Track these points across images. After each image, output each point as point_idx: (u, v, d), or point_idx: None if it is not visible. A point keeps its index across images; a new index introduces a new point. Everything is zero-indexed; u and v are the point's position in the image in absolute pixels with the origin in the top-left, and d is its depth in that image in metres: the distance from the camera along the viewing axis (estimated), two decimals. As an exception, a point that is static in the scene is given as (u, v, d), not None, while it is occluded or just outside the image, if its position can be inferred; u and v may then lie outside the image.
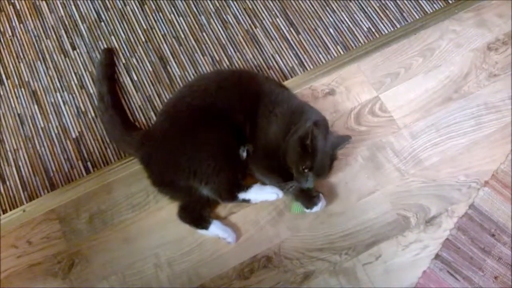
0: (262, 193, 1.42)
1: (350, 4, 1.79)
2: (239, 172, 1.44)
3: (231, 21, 1.79)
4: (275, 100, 1.42)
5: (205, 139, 1.39)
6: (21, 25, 1.84)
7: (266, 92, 1.44)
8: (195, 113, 1.42)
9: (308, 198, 1.42)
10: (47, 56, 1.78)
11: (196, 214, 1.46)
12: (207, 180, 1.39)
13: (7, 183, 1.59)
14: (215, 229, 1.44)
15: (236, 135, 1.42)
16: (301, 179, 1.33)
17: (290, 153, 1.33)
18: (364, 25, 1.75)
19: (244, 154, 1.44)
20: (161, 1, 1.84)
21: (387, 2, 1.78)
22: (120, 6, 1.84)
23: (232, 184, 1.41)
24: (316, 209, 1.41)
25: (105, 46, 1.77)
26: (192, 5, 1.83)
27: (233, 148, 1.42)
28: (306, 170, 1.32)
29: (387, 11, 1.77)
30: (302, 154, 1.31)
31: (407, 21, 1.75)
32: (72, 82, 1.72)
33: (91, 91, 1.70)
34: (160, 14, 1.82)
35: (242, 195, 1.41)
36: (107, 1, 1.85)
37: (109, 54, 1.73)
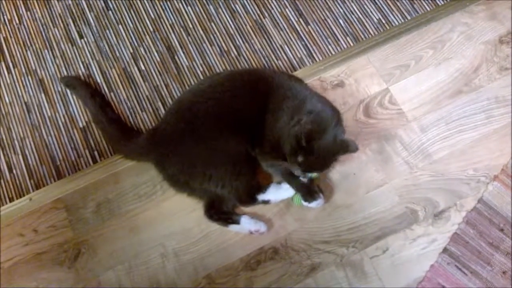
0: (280, 192, 1.44)
1: (360, -5, 1.78)
2: (256, 174, 1.44)
3: (239, 11, 1.78)
4: (283, 95, 1.39)
5: (222, 144, 1.38)
6: (28, 13, 1.83)
7: (275, 88, 1.41)
8: (211, 119, 1.39)
9: (308, 192, 1.42)
10: (54, 44, 1.77)
11: (224, 211, 1.46)
12: (224, 183, 1.40)
13: (14, 171, 1.59)
14: (246, 223, 1.44)
15: (251, 136, 1.40)
16: (294, 170, 1.33)
17: (286, 145, 1.29)
18: (375, 16, 1.73)
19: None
20: (169, -10, 1.83)
21: (397, -7, 1.77)
22: (128, -5, 1.83)
23: (250, 187, 1.42)
24: (313, 204, 1.41)
25: (113, 35, 1.76)
26: (201, -5, 1.82)
27: (249, 152, 1.41)
28: (299, 166, 1.29)
29: (398, 2, 1.75)
30: (297, 150, 1.26)
31: (418, 12, 1.73)
32: (79, 71, 1.71)
33: (98, 80, 1.69)
34: (168, 3, 1.81)
35: (261, 197, 1.43)
36: (114, -10, 1.84)
37: (73, 80, 1.69)
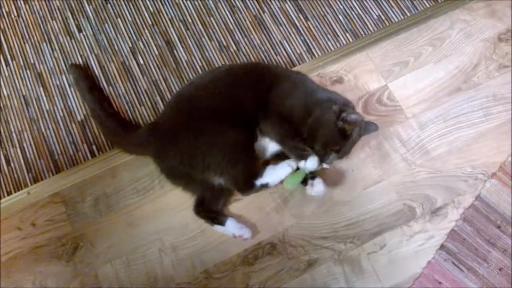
0: (277, 172, 1.39)
1: (360, -9, 1.77)
2: (254, 163, 1.43)
3: (239, 6, 1.77)
4: (293, 82, 1.43)
5: (220, 133, 1.38)
6: (27, 5, 1.82)
7: (281, 77, 1.45)
8: (211, 112, 1.40)
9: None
10: (53, 37, 1.76)
11: (212, 209, 1.46)
12: (222, 171, 1.38)
13: (12, 164, 1.59)
14: (231, 226, 1.44)
15: (250, 125, 1.41)
16: (324, 157, 1.34)
17: (322, 133, 1.33)
18: (374, 13, 1.73)
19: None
20: (169, -16, 1.82)
21: (397, -11, 1.77)
22: (127, -12, 1.82)
23: (248, 174, 1.40)
24: (315, 191, 1.41)
25: (112, 28, 1.75)
26: (200, -11, 1.81)
27: (248, 140, 1.41)
28: (333, 152, 1.34)
29: (397, -1, 1.75)
30: (336, 137, 1.33)
31: (417, 9, 1.73)
32: (78, 65, 1.71)
33: (97, 74, 1.69)
34: (168, -3, 1.80)
35: (259, 181, 1.39)
36: (114, -17, 1.83)
37: (79, 69, 1.68)
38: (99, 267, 1.45)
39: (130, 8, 1.79)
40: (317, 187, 1.41)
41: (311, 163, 1.35)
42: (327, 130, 1.33)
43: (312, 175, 1.42)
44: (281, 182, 1.40)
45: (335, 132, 1.33)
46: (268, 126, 1.41)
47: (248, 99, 1.42)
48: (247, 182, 1.40)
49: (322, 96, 1.42)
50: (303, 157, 1.36)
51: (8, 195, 1.54)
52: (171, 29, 1.75)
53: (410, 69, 1.64)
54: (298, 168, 1.38)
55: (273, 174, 1.40)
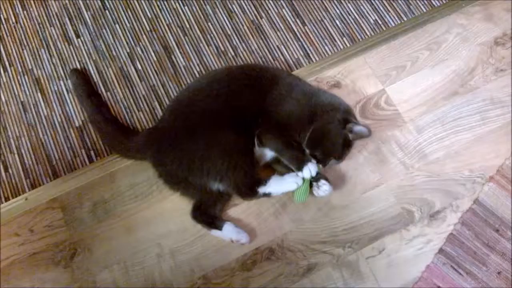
0: (282, 184, 1.40)
1: (357, -4, 1.78)
2: (255, 168, 1.42)
3: (236, 11, 1.78)
4: (290, 85, 1.45)
5: (219, 137, 1.38)
6: (25, 11, 1.82)
7: (278, 78, 1.46)
8: (209, 115, 1.41)
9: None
10: (51, 43, 1.76)
11: (209, 214, 1.46)
12: (222, 177, 1.38)
13: (10, 170, 1.58)
14: (229, 231, 1.43)
15: (249, 129, 1.41)
16: (325, 163, 1.40)
17: (326, 142, 1.38)
18: (371, 17, 1.74)
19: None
20: (166, -10, 1.83)
21: (394, -6, 1.77)
22: (125, -6, 1.83)
23: (250, 179, 1.39)
24: (321, 192, 1.40)
25: (110, 34, 1.76)
26: (198, -5, 1.82)
27: (247, 144, 1.41)
28: (333, 158, 1.40)
29: (394, 3, 1.75)
30: (339, 146, 1.39)
31: (414, 14, 1.73)
32: (76, 70, 1.71)
33: (95, 79, 1.69)
34: (165, 3, 1.80)
35: (262, 189, 1.39)
36: (111, -11, 1.84)
37: (78, 74, 1.69)
38: (97, 273, 1.44)
39: (128, 14, 1.79)
40: (324, 187, 1.41)
41: (307, 172, 1.37)
42: (332, 139, 1.38)
43: (315, 178, 1.41)
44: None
45: (339, 142, 1.38)
46: (267, 138, 1.42)
47: (246, 100, 1.42)
48: (248, 188, 1.40)
49: (323, 100, 1.43)
50: (301, 167, 1.37)
51: (6, 201, 1.54)
52: (169, 34, 1.75)
53: (407, 74, 1.64)
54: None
55: (277, 186, 1.40)
